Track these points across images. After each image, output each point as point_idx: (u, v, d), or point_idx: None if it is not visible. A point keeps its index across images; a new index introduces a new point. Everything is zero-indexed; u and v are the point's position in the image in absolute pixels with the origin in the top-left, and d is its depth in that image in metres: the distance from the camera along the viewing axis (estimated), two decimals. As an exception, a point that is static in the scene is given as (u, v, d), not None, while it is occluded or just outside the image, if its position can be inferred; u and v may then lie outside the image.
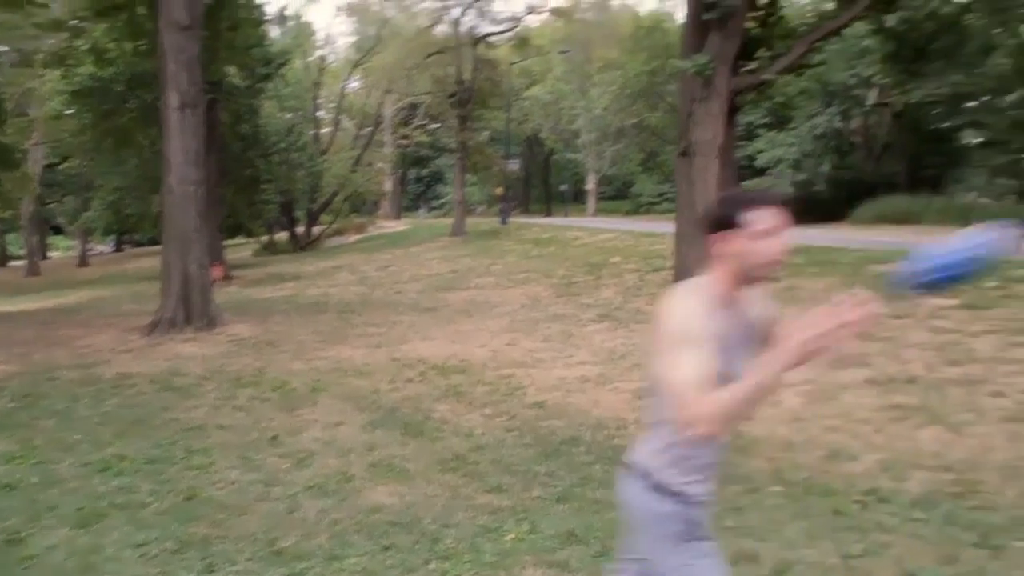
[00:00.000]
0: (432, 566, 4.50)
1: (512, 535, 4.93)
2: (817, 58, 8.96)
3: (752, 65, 8.78)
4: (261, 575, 4.39)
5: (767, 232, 2.44)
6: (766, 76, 8.18)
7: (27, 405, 8.80)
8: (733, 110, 8.48)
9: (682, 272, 8.69)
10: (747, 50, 8.61)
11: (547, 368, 10.53)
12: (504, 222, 37.46)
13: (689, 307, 2.48)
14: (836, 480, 6.01)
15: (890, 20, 21.74)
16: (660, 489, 2.66)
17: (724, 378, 2.38)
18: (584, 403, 8.71)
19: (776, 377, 2.33)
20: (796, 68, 8.49)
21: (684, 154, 8.47)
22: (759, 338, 2.65)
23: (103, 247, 63.42)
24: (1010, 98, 30.42)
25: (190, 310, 14.17)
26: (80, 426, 7.83)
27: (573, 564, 4.51)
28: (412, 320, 15.03)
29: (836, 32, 8.49)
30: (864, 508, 5.44)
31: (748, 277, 2.53)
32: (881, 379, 8.86)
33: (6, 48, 33.12)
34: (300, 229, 41.98)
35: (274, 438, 7.28)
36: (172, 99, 14.17)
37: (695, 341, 2.40)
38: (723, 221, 2.50)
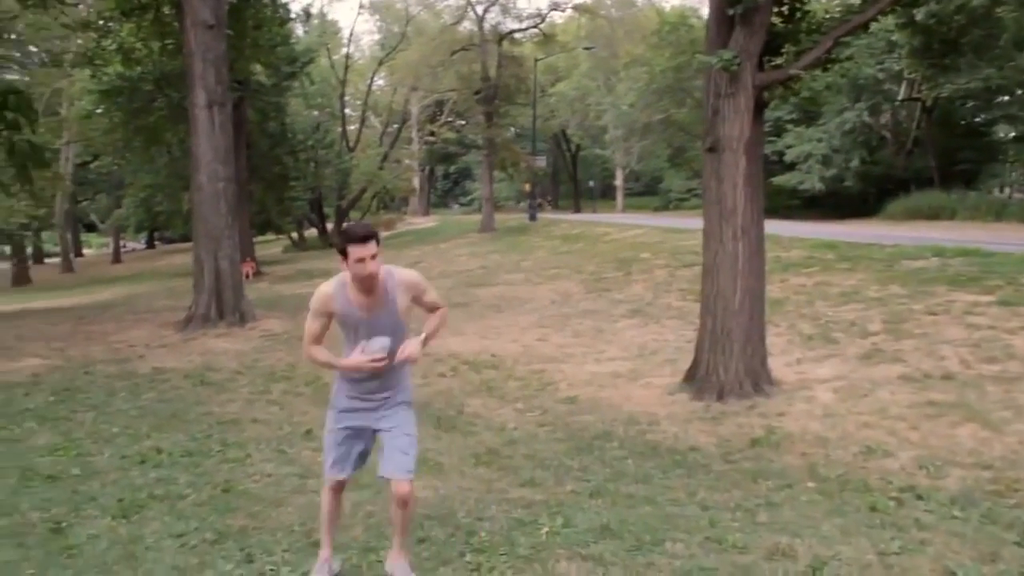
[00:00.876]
0: (467, 558, 4.52)
1: (546, 529, 4.95)
2: (845, 53, 8.84)
3: (778, 60, 8.71)
4: (298, 566, 4.43)
5: (358, 260, 3.71)
6: (792, 71, 8.10)
7: (66, 399, 8.94)
8: (760, 105, 8.41)
9: (710, 268, 8.64)
10: (773, 45, 8.53)
11: (578, 363, 10.55)
12: (533, 218, 37.48)
13: (320, 292, 3.92)
14: (872, 477, 5.97)
15: (919, 14, 21.47)
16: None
17: (349, 336, 3.99)
18: (616, 398, 8.71)
19: (329, 367, 4.10)
20: (823, 63, 8.40)
21: (711, 150, 8.42)
22: (391, 320, 3.92)
23: (135, 244, 64.19)
24: (1045, 91, 30.07)
25: (222, 306, 14.33)
26: (118, 419, 7.95)
27: (607, 558, 4.51)
28: (442, 316, 15.05)
29: (863, 26, 8.40)
30: (901, 505, 5.40)
31: (358, 283, 3.82)
32: (916, 376, 8.78)
33: (35, 48, 33.59)
34: (329, 226, 42.20)
35: (308, 432, 7.34)
36: (199, 97, 14.32)
37: (313, 313, 3.94)
38: (339, 250, 3.80)
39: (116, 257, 49.41)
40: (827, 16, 8.91)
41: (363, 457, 4.29)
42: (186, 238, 51.01)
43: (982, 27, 26.92)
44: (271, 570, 4.39)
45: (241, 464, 6.40)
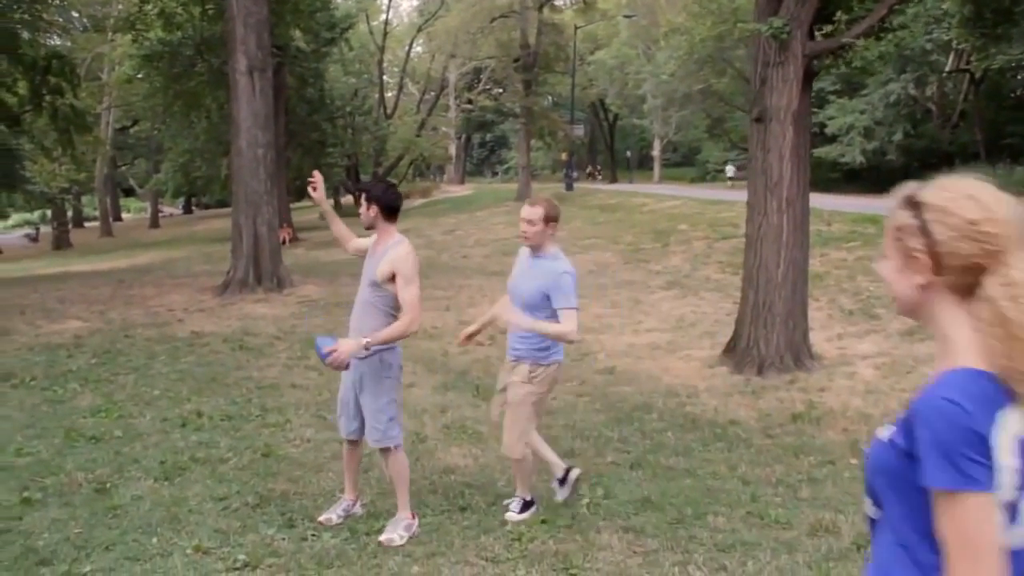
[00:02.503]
0: (509, 528, 4.50)
1: (587, 500, 4.92)
2: (897, 20, 8.61)
3: (828, 28, 8.50)
4: (339, 531, 4.44)
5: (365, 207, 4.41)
6: (845, 40, 7.91)
7: (107, 361, 9.04)
8: (809, 75, 8.23)
9: (753, 240, 8.52)
10: (823, 13, 8.32)
11: (616, 334, 10.48)
12: (569, 187, 37.28)
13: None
14: (916, 453, 5.86)
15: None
16: None
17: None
18: (654, 370, 8.65)
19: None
20: (876, 31, 8.19)
21: (758, 120, 8.26)
22: (371, 272, 4.37)
23: (173, 209, 64.76)
24: (1098, 64, 29.18)
25: (260, 271, 14.37)
26: (158, 382, 8.02)
27: (648, 530, 4.48)
28: (479, 284, 15.05)
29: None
30: None
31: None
32: (960, 352, 8.62)
33: (77, 14, 33.80)
34: (365, 193, 42.23)
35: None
36: (240, 63, 14.27)
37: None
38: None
39: (154, 222, 49.84)
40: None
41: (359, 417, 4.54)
42: (223, 204, 51.31)
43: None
44: (312, 535, 4.41)
45: (281, 429, 6.44)
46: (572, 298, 4.44)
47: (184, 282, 16.07)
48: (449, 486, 5.13)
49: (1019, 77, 33.60)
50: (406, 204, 44.69)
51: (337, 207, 42.10)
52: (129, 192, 65.71)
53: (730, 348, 8.81)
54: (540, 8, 35.45)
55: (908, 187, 1.63)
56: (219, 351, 9.68)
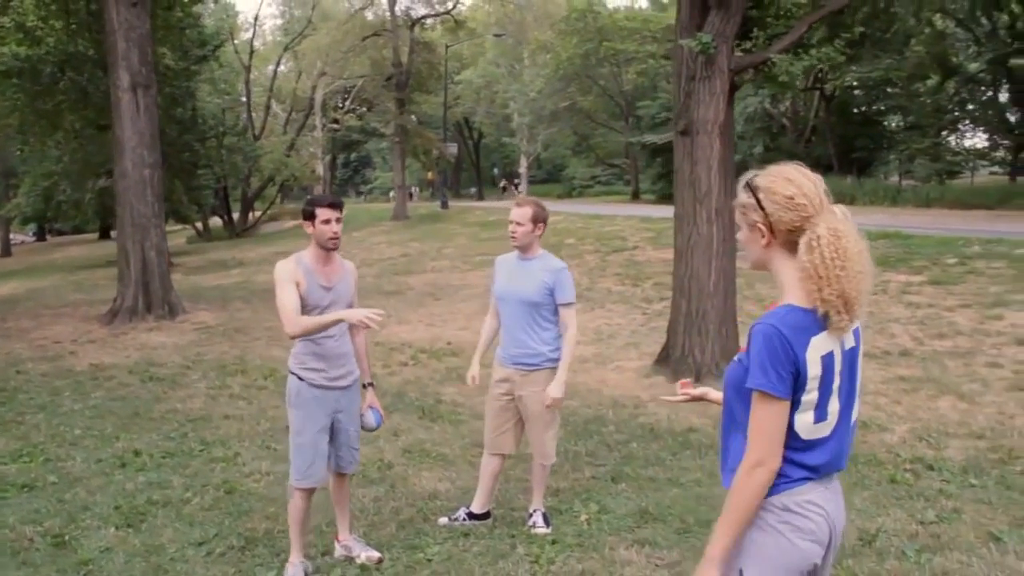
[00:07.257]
0: (520, 550, 4.34)
1: (584, 516, 4.82)
2: (816, 38, 8.99)
3: (748, 44, 8.78)
4: (348, 568, 4.19)
5: (324, 221, 4.00)
6: (770, 55, 8.17)
7: (6, 400, 8.37)
8: (732, 89, 8.46)
9: (683, 251, 8.65)
10: (742, 29, 8.60)
11: (541, 349, 10.41)
12: (444, 206, 37.22)
13: (282, 264, 3.98)
14: (879, 450, 6.03)
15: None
16: (292, 374, 4.13)
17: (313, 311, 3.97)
18: (591, 382, 8.62)
19: (324, 324, 3.88)
20: (795, 48, 8.50)
21: (684, 133, 8.42)
22: (347, 291, 4.15)
23: (24, 236, 60.95)
24: (929, 83, 31.44)
25: (150, 298, 13.65)
26: (75, 420, 7.46)
27: (661, 542, 4.42)
28: (379, 304, 14.58)
29: (839, 11, 8.59)
30: (917, 477, 5.47)
31: (321, 247, 4.04)
32: (875, 352, 9.00)
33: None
34: (235, 215, 40.96)
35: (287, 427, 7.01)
36: (123, 79, 13.54)
37: (283, 282, 3.90)
38: (305, 214, 4.10)
39: (6, 250, 46.77)
40: (795, 2, 8.97)
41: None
42: (79, 230, 48.74)
43: (882, 20, 27.89)
44: (316, 573, 4.14)
45: (232, 463, 6.05)
46: (574, 293, 4.70)
47: (63, 312, 15.10)
48: (440, 513, 4.93)
49: (862, 95, 35.67)
50: (276, 227, 43.30)
51: (206, 230, 40.72)
52: (-33, 220, 61.53)
53: (663, 357, 8.89)
54: (412, 27, 35.35)
55: (748, 174, 2.12)
56: (128, 384, 9.09)
